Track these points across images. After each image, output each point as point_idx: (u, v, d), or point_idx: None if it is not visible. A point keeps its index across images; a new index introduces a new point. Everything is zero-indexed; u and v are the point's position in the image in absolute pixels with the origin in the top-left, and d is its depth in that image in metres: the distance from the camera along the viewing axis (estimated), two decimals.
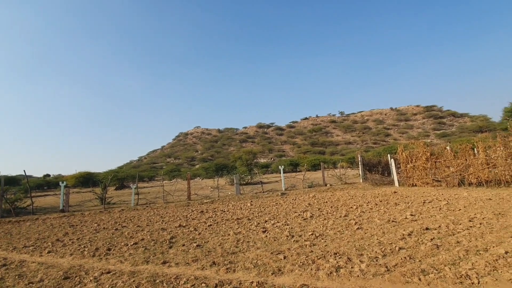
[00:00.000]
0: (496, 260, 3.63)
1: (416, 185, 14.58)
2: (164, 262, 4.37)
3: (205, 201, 13.26)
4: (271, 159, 69.43)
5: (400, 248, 4.31)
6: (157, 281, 3.63)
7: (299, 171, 37.60)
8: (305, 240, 5.15)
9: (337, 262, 3.85)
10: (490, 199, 8.82)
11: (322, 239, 5.19)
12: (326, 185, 16.37)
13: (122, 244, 5.78)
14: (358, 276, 3.37)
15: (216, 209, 10.39)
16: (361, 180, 17.65)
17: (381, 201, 9.70)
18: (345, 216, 7.32)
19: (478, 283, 3.03)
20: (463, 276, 3.19)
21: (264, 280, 3.48)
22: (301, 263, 3.96)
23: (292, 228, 6.27)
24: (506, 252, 3.87)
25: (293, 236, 5.49)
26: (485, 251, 4.01)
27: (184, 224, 7.66)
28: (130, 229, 7.52)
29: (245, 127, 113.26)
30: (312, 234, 5.52)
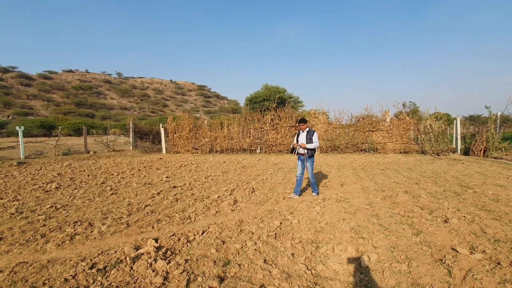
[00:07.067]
0: (211, 203, 5.09)
1: (180, 152, 16.78)
2: None
3: None
4: (8, 116, 49.96)
5: (146, 206, 4.82)
6: None
7: (55, 136, 30.16)
8: (39, 214, 4.31)
9: (74, 230, 3.61)
10: (224, 162, 12.06)
11: (64, 210, 4.62)
12: (88, 152, 14.47)
13: None
14: (95, 238, 3.38)
15: None
16: (131, 147, 17.41)
17: (145, 167, 10.19)
18: (102, 183, 6.94)
19: (194, 220, 4.11)
20: (186, 218, 4.18)
21: None
22: (24, 241, 3.30)
23: (23, 204, 4.99)
24: (219, 197, 5.53)
25: (21, 213, 4.40)
26: (207, 198, 5.48)
27: None
28: None
29: None
30: (51, 206, 4.73)
